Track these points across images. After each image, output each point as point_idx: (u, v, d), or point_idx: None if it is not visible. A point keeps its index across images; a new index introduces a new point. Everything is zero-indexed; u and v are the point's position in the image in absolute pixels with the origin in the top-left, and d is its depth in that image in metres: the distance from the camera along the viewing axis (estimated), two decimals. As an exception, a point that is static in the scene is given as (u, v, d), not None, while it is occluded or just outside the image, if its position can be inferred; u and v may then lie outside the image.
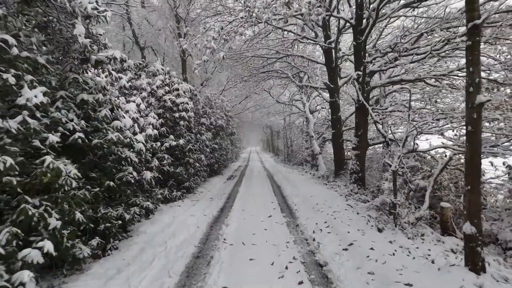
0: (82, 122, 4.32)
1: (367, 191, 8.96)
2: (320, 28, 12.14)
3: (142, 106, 6.58)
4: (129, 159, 5.37)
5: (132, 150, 5.72)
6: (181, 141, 8.24)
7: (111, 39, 16.98)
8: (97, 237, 4.24)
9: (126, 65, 9.37)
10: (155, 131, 6.75)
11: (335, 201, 8.21)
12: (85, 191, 3.90)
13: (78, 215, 3.71)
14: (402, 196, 5.90)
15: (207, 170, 13.17)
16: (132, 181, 5.25)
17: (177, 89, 8.80)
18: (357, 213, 7.02)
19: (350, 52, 11.60)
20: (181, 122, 8.81)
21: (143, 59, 12.49)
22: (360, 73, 8.33)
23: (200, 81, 16.26)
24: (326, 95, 13.01)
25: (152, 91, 8.31)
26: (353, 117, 14.15)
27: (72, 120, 4.22)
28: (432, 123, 6.21)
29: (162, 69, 9.59)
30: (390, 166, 7.18)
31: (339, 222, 6.13)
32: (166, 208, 7.19)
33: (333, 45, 11.28)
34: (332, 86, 11.55)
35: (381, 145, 13.71)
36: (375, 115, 8.22)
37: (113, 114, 5.32)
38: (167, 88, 8.62)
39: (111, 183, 4.76)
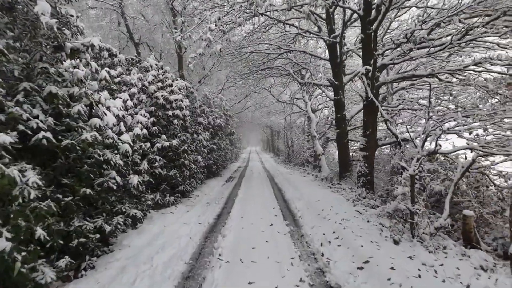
0: (50, 119, 3.65)
1: (375, 195, 8.29)
2: (323, 22, 11.47)
3: (130, 103, 5.93)
4: (112, 162, 4.72)
5: (116, 151, 5.06)
6: (175, 142, 7.58)
7: (106, 36, 16.33)
8: (67, 256, 3.57)
9: (117, 59, 8.75)
10: (145, 131, 6.10)
11: (342, 207, 7.55)
12: (50, 202, 3.24)
13: (39, 231, 3.04)
14: (421, 204, 5.23)
15: (204, 172, 12.51)
16: (115, 187, 4.58)
17: (171, 85, 8.14)
18: (368, 221, 6.36)
19: (356, 47, 10.94)
20: (175, 121, 8.15)
21: (136, 55, 11.83)
22: (369, 67, 7.67)
23: (198, 78, 15.59)
24: (330, 93, 12.35)
25: (143, 87, 7.64)
26: (359, 116, 13.49)
27: (37, 117, 3.55)
28: (458, 121, 5.53)
29: (156, 64, 8.93)
30: (403, 169, 6.54)
31: (349, 233, 5.46)
32: (157, 216, 6.52)
33: (338, 39, 10.62)
34: (336, 83, 10.89)
35: (388, 146, 13.03)
36: (385, 113, 7.54)
37: (93, 111, 4.66)
38: (159, 84, 7.96)
39: (88, 191, 4.09)
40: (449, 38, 6.46)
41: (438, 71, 7.60)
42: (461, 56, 8.64)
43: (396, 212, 6.58)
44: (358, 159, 8.34)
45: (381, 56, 7.30)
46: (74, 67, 4.60)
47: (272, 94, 20.53)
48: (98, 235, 4.11)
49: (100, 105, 4.62)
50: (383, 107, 8.03)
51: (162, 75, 8.69)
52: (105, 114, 4.68)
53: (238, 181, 13.84)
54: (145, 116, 7.29)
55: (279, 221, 6.52)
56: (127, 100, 5.91)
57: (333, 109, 15.55)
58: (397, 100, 11.65)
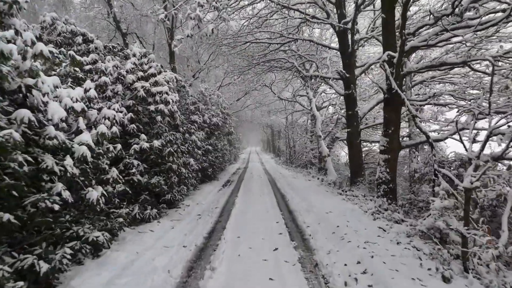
0: None
1: (399, 207, 6.96)
2: (332, 6, 10.14)
3: (93, 93, 4.60)
4: (58, 170, 3.40)
5: (70, 155, 3.74)
6: (157, 142, 6.23)
7: (95, 29, 15.01)
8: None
9: (93, 46, 7.41)
10: (115, 128, 4.78)
11: (361, 222, 6.22)
12: None
13: None
14: (480, 227, 3.90)
15: (198, 176, 11.18)
16: (57, 207, 3.25)
17: (154, 75, 6.79)
18: (398, 243, 5.04)
19: (375, 32, 9.60)
20: (158, 118, 6.80)
21: (122, 46, 10.49)
22: (393, 53, 6.33)
23: (192, 72, 14.26)
24: (339, 87, 11.05)
25: (120, 76, 6.31)
26: (370, 114, 12.19)
27: None
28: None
29: (140, 52, 7.60)
30: (436, 176, 5.24)
31: (379, 263, 4.13)
32: (132, 236, 5.19)
33: (349, 25, 9.29)
34: (347, 75, 9.56)
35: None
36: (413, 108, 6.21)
37: (27, 99, 3.33)
38: (140, 73, 6.62)
39: (8, 217, 2.76)
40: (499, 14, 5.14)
41: (474, 58, 6.26)
42: (499, 40, 7.31)
43: (431, 230, 5.27)
44: (378, 163, 7.01)
45: (411, 36, 5.96)
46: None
47: (273, 92, 19.21)
48: (21, 283, 2.76)
49: (37, 92, 3.28)
50: (411, 102, 6.69)
51: (146, 64, 7.36)
52: (45, 104, 3.35)
53: (236, 185, 12.50)
54: (121, 112, 5.95)
55: (285, 243, 5.18)
56: (90, 89, 4.58)
57: (340, 106, 14.23)
58: (415, 95, 10.33)
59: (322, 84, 16.75)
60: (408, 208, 7.33)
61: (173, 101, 7.38)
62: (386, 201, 6.73)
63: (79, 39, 7.50)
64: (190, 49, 13.20)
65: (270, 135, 43.92)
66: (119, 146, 4.97)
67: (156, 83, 6.91)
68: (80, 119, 4.29)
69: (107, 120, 4.72)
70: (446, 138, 6.74)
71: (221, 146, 15.85)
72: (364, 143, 12.73)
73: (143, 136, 6.02)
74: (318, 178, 13.74)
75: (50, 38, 7.21)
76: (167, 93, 6.79)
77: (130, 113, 6.15)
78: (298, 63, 12.75)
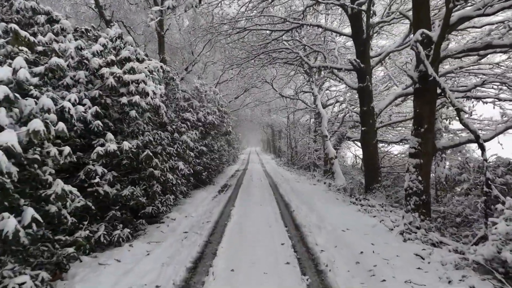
0: None
1: (433, 223, 5.61)
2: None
3: (24, 74, 3.26)
4: None
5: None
6: (128, 144, 4.86)
7: (80, 18, 13.69)
8: None
9: (58, 26, 6.09)
10: (62, 125, 3.46)
11: (389, 245, 4.89)
12: None
13: None
14: None
15: (189, 182, 9.84)
16: None
17: (128, 59, 5.45)
18: (449, 281, 3.71)
19: (388, 17, 8.26)
20: (133, 113, 5.44)
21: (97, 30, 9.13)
22: (429, 33, 5.00)
23: (185, 65, 12.89)
24: (350, 80, 9.71)
25: (83, 60, 4.97)
26: (385, 111, 10.81)
27: None
28: None
29: (115, 33, 6.25)
30: (489, 186, 3.96)
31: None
32: (87, 271, 3.84)
33: (364, 7, 7.96)
34: (362, 65, 8.22)
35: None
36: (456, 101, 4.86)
37: None
38: (111, 57, 5.27)
39: None
40: None
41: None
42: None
43: (491, 262, 3.96)
44: (407, 169, 5.66)
45: (461, 1, 4.60)
46: None
47: (274, 88, 17.87)
48: None
49: None
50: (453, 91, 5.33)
51: (123, 47, 6.02)
52: None
53: (234, 191, 11.15)
54: (82, 104, 4.62)
55: (295, 279, 3.84)
56: (20, 69, 3.25)
57: (350, 102, 12.89)
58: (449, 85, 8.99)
59: (328, 79, 15.42)
60: (441, 223, 5.99)
61: (154, 93, 6.04)
62: (418, 216, 5.38)
63: (42, 18, 6.15)
64: (183, 39, 11.87)
65: (271, 135, 42.59)
66: (66, 149, 3.62)
67: (132, 71, 5.57)
68: (1, 110, 2.95)
69: (47, 113, 3.37)
70: (494, 137, 5.41)
71: (218, 147, 14.52)
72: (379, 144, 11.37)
73: (109, 135, 4.66)
74: (324, 183, 12.41)
75: (3, 17, 5.88)
76: (144, 81, 5.44)
77: (96, 107, 4.79)
78: (303, 54, 11.40)
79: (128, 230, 4.96)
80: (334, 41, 11.59)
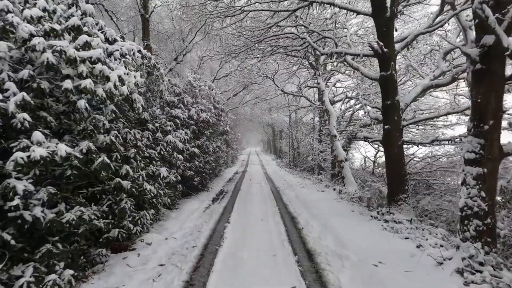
0: None
1: (499, 253, 4.11)
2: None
3: None
4: None
5: None
6: (65, 149, 3.30)
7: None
8: None
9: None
10: None
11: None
12: None
13: None
14: None
15: (177, 190, 8.33)
16: None
17: (78, 28, 3.94)
18: None
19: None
20: (81, 103, 3.88)
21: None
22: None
23: (175, 54, 11.36)
24: (367, 69, 8.22)
25: (7, 25, 3.48)
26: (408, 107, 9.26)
27: None
28: None
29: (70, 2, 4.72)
30: None
31: None
32: None
33: (388, -22, 6.46)
34: (385, 50, 6.72)
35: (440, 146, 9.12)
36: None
37: None
38: (50, 25, 3.76)
39: None
40: None
41: None
42: None
43: None
44: (463, 181, 4.15)
45: None
46: None
47: (275, 84, 16.35)
48: None
49: None
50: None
51: (80, 16, 4.51)
52: None
53: (230, 200, 9.63)
54: (4, 90, 3.12)
55: None
56: None
57: (365, 96, 11.37)
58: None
59: (335, 74, 13.92)
60: (505, 251, 4.49)
61: (121, 79, 4.55)
62: (481, 247, 3.87)
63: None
64: (173, 26, 10.37)
65: (271, 135, 41.10)
66: None
67: (88, 47, 4.05)
68: None
69: None
70: None
71: (214, 148, 13.01)
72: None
73: (36, 135, 3.13)
74: (334, 189, 10.90)
75: None
76: (101, 61, 3.93)
77: (23, 93, 3.28)
78: (313, 40, 9.86)
79: (71, 272, 3.43)
80: (345, 27, 10.09)
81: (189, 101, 11.06)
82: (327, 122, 15.35)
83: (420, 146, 8.08)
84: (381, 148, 13.14)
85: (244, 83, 17.96)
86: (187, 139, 9.66)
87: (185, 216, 7.16)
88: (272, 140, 40.44)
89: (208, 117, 11.60)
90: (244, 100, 22.72)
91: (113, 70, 4.45)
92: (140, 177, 5.63)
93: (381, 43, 6.63)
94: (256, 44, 10.85)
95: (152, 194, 5.92)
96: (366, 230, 5.91)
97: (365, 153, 13.70)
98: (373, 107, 9.13)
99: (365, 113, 9.34)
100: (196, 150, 9.83)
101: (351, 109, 14.64)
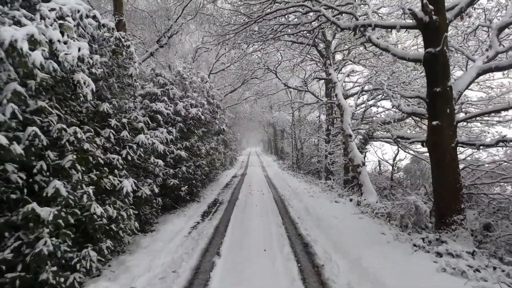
0: None
1: None
2: None
3: None
4: None
5: None
6: None
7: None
8: None
9: None
10: None
11: None
12: None
13: None
14: None
15: (155, 206, 6.48)
16: None
17: None
18: None
19: None
20: None
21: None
22: None
23: (158, 35, 9.46)
24: (400, 46, 6.36)
25: None
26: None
27: None
28: None
29: None
30: None
31: None
32: None
33: None
34: (434, 17, 4.86)
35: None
36: None
37: None
38: None
39: None
40: None
41: None
42: None
43: None
44: None
45: None
46: None
47: (278, 77, 14.47)
48: None
49: None
50: None
51: None
52: None
53: (225, 217, 7.76)
54: None
55: None
56: None
57: (388, 87, 9.47)
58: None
59: (348, 62, 12.05)
60: None
61: (33, 39, 2.70)
62: None
63: None
64: (156, 3, 8.52)
65: (272, 135, 39.23)
66: None
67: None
68: None
69: None
70: None
71: (208, 150, 11.15)
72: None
73: None
74: (351, 200, 9.03)
75: None
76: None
77: None
78: (332, 13, 7.95)
79: None
80: (366, 3, 8.24)
81: (177, 94, 9.24)
82: (340, 119, 13.51)
83: (478, 149, 6.20)
84: (403, 149, 11.30)
85: (243, 76, 16.12)
86: (172, 139, 7.82)
87: (161, 244, 5.29)
88: (273, 140, 38.58)
89: (200, 113, 9.76)
90: (244, 96, 20.87)
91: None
92: (85, 196, 3.79)
93: (430, 7, 4.77)
94: (257, 27, 9.01)
95: (105, 220, 4.08)
96: (418, 272, 4.05)
97: (382, 155, 11.87)
98: (407, 98, 7.24)
99: (393, 106, 7.48)
100: (183, 153, 7.96)
101: (363, 105, 12.81)
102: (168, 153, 7.68)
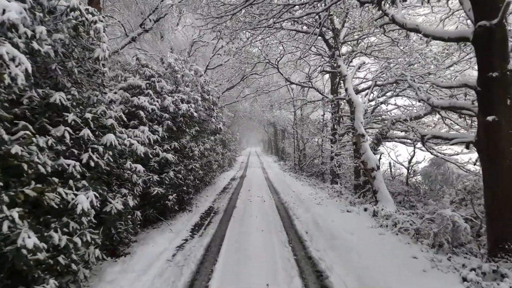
0: None
1: None
2: None
3: None
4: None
5: None
6: None
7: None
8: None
9: None
10: None
11: None
12: None
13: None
14: None
15: (136, 220, 5.29)
16: None
17: None
18: None
19: None
20: None
21: None
22: None
23: (142, 17, 8.24)
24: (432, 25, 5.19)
25: None
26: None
27: None
28: None
29: None
30: None
31: None
32: None
33: None
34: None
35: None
36: None
37: None
38: None
39: None
40: None
41: None
42: None
43: None
44: None
45: None
46: None
47: (279, 72, 13.28)
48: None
49: None
50: None
51: None
52: None
53: (219, 231, 6.55)
54: None
55: None
56: None
57: (412, 78, 8.26)
58: None
59: (359, 54, 10.86)
60: None
61: None
62: None
63: None
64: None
65: (273, 135, 38.03)
66: None
67: None
68: None
69: None
70: None
71: (202, 151, 9.94)
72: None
73: None
74: (365, 209, 7.84)
75: None
76: None
77: None
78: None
79: None
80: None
81: (165, 87, 8.07)
82: (347, 117, 12.36)
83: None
84: (420, 151, 10.10)
85: (242, 71, 14.94)
86: (157, 139, 6.65)
87: (133, 276, 4.09)
88: (274, 140, 37.37)
89: (192, 109, 8.58)
90: (243, 94, 19.69)
91: None
92: (6, 222, 2.60)
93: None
94: (257, 10, 7.85)
95: (45, 253, 2.89)
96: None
97: (396, 157, 10.66)
98: (445, 88, 6.05)
99: (419, 100, 6.28)
100: (170, 156, 6.76)
101: (372, 102, 11.62)
102: (152, 156, 6.50)
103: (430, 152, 7.90)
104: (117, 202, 4.52)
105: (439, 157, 7.96)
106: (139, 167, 5.42)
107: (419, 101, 6.45)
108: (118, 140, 5.15)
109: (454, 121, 7.72)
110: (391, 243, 5.37)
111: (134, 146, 5.38)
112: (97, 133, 4.42)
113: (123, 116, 5.04)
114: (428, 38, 4.90)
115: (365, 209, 7.84)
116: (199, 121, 10.65)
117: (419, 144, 10.30)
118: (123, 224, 5.02)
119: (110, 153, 4.36)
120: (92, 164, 4.01)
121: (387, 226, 6.39)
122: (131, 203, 4.82)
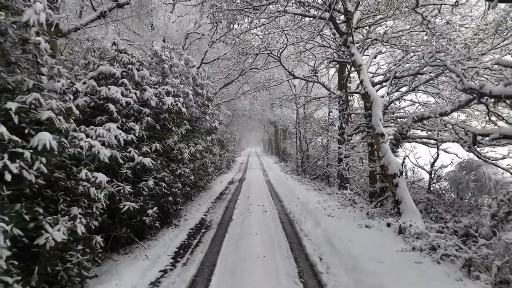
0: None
1: None
2: None
3: None
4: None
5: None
6: None
7: None
8: None
9: None
10: None
11: None
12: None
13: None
14: None
15: (93, 251, 3.93)
16: None
17: None
18: None
19: None
20: None
21: None
22: None
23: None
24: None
25: None
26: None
27: None
28: None
29: None
30: None
31: None
32: None
33: None
34: None
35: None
36: None
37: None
38: None
39: None
40: None
41: None
42: None
43: None
44: None
45: None
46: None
47: (282, 64, 11.90)
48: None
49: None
50: None
51: None
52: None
53: (209, 254, 5.18)
54: None
55: None
56: None
57: (452, 64, 6.88)
58: None
59: (373, 42, 9.48)
60: None
61: None
62: None
63: None
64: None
65: (273, 135, 36.63)
66: None
67: None
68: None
69: None
70: None
71: (193, 153, 8.55)
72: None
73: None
74: (388, 225, 6.47)
75: None
76: None
77: None
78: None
79: None
80: None
81: (147, 77, 6.74)
82: (357, 115, 11.01)
83: None
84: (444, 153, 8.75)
85: (241, 63, 13.59)
86: (131, 140, 5.31)
87: None
88: (275, 141, 35.98)
89: (180, 104, 7.23)
90: (242, 90, 18.32)
91: None
92: None
93: None
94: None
95: None
96: None
97: (416, 160, 9.31)
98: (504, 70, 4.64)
99: (464, 90, 4.89)
100: (147, 161, 5.38)
101: (387, 97, 10.25)
102: (124, 161, 5.14)
103: (478, 156, 6.52)
104: (58, 230, 3.17)
105: (488, 162, 6.57)
106: (101, 177, 4.05)
107: (464, 91, 5.08)
108: (75, 142, 3.85)
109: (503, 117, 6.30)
110: (436, 278, 4.02)
111: (94, 148, 4.05)
112: (27, 131, 3.07)
113: (74, 108, 3.68)
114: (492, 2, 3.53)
115: (388, 225, 6.47)
116: (191, 119, 9.30)
117: (443, 145, 9.01)
118: (75, 256, 3.66)
119: (44, 160, 3.00)
120: (8, 177, 2.65)
121: (421, 249, 5.04)
122: (81, 229, 3.45)
